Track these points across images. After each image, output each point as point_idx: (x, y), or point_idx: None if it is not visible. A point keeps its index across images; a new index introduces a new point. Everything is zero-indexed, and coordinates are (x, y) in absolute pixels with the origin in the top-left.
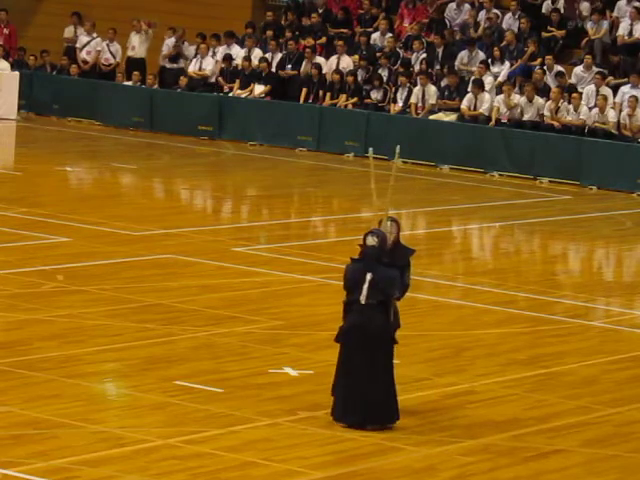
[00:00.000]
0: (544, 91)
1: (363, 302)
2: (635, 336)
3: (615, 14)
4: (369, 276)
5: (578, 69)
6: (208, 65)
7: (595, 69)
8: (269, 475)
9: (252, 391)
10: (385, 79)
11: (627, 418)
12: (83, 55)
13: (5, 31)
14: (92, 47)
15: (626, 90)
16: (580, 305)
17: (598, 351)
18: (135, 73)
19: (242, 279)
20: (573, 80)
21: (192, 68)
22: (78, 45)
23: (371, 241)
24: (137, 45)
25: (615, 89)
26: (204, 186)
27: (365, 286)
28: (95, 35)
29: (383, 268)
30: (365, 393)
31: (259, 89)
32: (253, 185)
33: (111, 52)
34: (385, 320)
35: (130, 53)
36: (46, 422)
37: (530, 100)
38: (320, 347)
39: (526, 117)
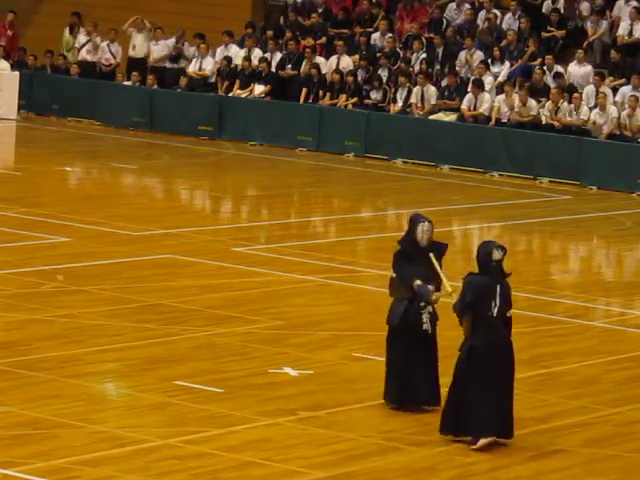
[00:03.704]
0: (544, 91)
1: (495, 315)
2: (635, 336)
3: (615, 14)
4: (499, 289)
5: (571, 65)
6: (208, 65)
7: (587, 64)
8: (269, 475)
9: (252, 391)
10: (385, 79)
11: (627, 418)
12: (83, 54)
13: (9, 32)
14: (91, 46)
15: (626, 90)
16: (580, 305)
17: (598, 351)
18: (134, 74)
19: (242, 279)
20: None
21: (192, 68)
22: (77, 45)
23: (497, 255)
24: (139, 45)
25: (614, 89)
26: (204, 186)
27: (498, 299)
28: (95, 35)
29: (505, 281)
30: (500, 408)
31: (259, 89)
32: (253, 185)
33: (111, 52)
34: (508, 333)
35: (131, 53)
36: (46, 422)
37: (524, 104)
38: (320, 347)
39: (523, 119)
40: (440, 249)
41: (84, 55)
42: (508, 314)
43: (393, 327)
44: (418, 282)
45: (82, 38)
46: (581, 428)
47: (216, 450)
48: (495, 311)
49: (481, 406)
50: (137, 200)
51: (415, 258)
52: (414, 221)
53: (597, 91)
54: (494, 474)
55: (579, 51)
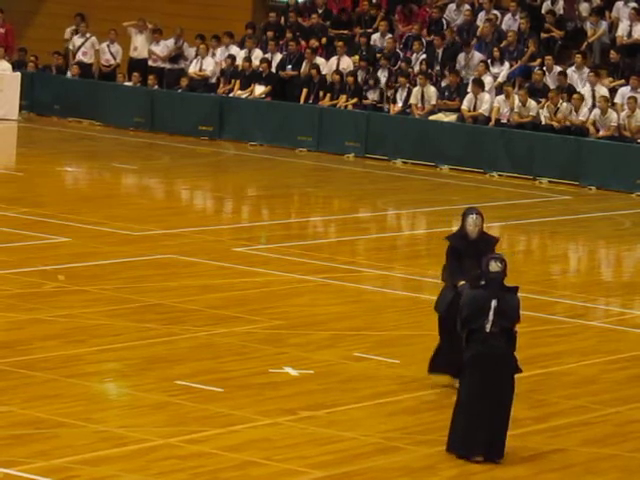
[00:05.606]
0: (543, 92)
1: (488, 330)
2: (634, 336)
3: (614, 14)
4: (494, 303)
5: (570, 70)
6: (208, 66)
7: (587, 69)
8: (269, 475)
9: (252, 391)
10: (385, 80)
11: (627, 418)
12: (79, 56)
13: (1, 30)
14: (87, 47)
15: (625, 91)
16: (579, 305)
17: (597, 351)
18: (135, 74)
19: (242, 279)
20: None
21: (192, 69)
22: (71, 47)
23: (495, 267)
24: (140, 45)
25: (614, 90)
26: (204, 186)
27: (491, 313)
28: (89, 35)
29: (507, 294)
30: (490, 425)
31: (259, 89)
32: (253, 185)
33: (111, 53)
34: (509, 349)
35: (133, 54)
36: (47, 422)
37: (524, 104)
38: (320, 347)
39: (523, 119)
40: (490, 242)
41: (80, 57)
42: (514, 329)
43: (441, 313)
44: (462, 282)
45: (77, 40)
46: (580, 428)
47: (216, 450)
48: (488, 326)
49: (465, 425)
50: (137, 200)
51: (465, 253)
52: (465, 213)
53: (593, 90)
54: (494, 474)
55: (577, 55)
